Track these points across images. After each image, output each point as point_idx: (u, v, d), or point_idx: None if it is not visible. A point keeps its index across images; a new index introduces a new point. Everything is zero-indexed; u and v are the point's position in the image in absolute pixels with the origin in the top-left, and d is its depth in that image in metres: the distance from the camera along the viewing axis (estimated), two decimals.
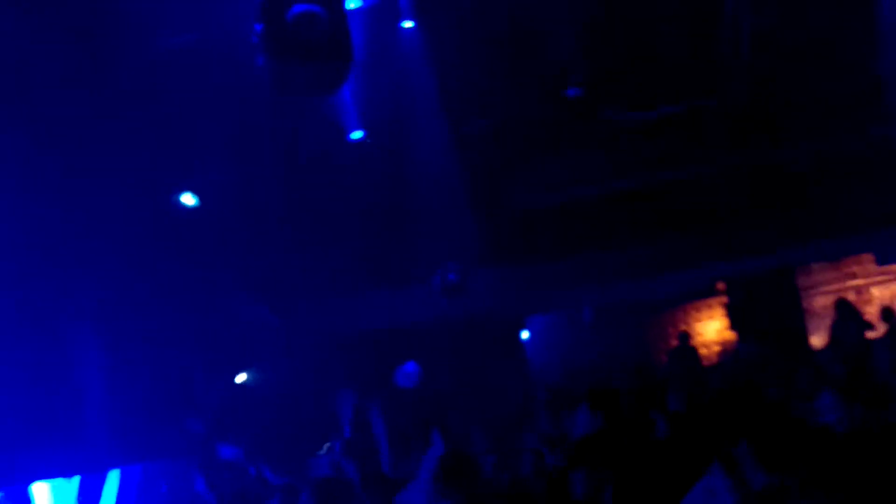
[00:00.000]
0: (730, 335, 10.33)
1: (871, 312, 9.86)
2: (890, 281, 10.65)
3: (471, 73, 8.80)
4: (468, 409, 8.13)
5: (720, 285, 10.28)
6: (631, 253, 9.21)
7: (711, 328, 10.82)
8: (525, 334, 9.92)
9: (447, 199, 8.69)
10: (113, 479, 5.71)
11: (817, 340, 9.77)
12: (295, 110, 8.56)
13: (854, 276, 10.98)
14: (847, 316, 9.31)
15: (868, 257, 10.53)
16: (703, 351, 10.41)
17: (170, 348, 8.11)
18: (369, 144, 8.86)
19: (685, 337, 10.00)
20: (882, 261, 10.23)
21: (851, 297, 10.41)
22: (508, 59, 8.87)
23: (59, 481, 5.53)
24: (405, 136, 8.91)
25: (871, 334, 8.98)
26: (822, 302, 10.63)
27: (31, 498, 5.43)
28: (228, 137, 8.53)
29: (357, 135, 8.85)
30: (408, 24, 8.70)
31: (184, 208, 8.84)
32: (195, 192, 8.83)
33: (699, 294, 10.50)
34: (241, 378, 8.19)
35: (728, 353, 9.96)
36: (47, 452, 5.57)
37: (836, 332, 9.23)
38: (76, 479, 5.59)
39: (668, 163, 9.45)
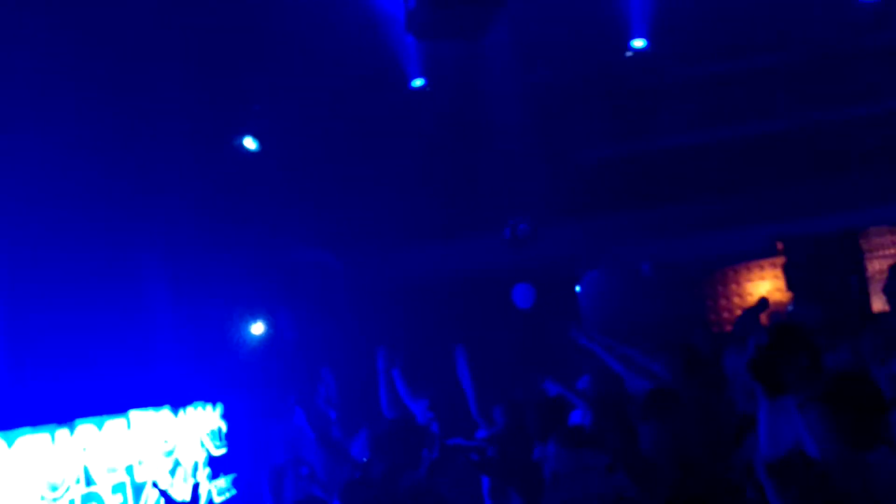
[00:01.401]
0: (782, 296, 10.26)
1: None
2: None
3: (540, 22, 8.67)
4: (529, 359, 8.16)
5: (779, 245, 10.19)
6: (692, 209, 9.16)
7: (763, 288, 10.75)
8: (579, 288, 9.92)
9: (515, 148, 8.62)
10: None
11: (877, 305, 9.68)
12: (362, 55, 8.50)
13: None
14: None
15: None
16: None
17: (232, 290, 8.20)
18: (430, 92, 8.78)
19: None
20: None
21: None
22: (578, 10, 8.74)
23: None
24: (473, 84, 8.82)
25: None
26: (879, 266, 10.51)
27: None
28: (293, 82, 8.50)
29: (418, 82, 8.77)
30: None
31: (247, 152, 8.85)
32: (257, 136, 8.83)
33: (755, 254, 10.41)
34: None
35: (781, 315, 9.89)
36: (138, 385, 5.68)
37: (890, 297, 9.14)
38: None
39: (733, 119, 9.34)
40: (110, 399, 5.11)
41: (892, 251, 10.72)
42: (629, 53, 8.72)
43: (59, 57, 6.06)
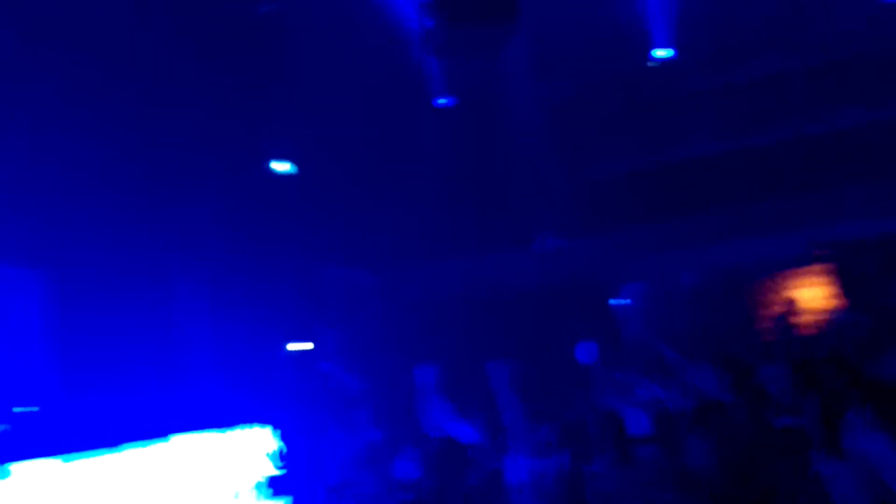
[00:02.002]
0: (829, 303, 10.05)
1: None
2: None
3: (563, 35, 8.67)
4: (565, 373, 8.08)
5: (823, 251, 10.00)
6: (730, 216, 9.04)
7: (809, 295, 10.54)
8: (620, 300, 9.82)
9: (543, 162, 8.60)
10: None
11: None
12: (388, 75, 8.57)
13: None
14: None
15: None
16: (802, 319, 10.15)
17: (269, 308, 8.27)
18: (457, 109, 8.82)
19: (791, 305, 9.71)
20: None
21: None
22: (599, 20, 8.72)
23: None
24: (499, 100, 8.83)
25: None
26: None
27: None
28: (322, 105, 8.59)
29: (443, 100, 8.81)
30: None
31: (283, 174, 8.96)
32: (291, 158, 8.94)
33: (803, 260, 10.23)
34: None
35: (830, 323, 9.69)
36: (180, 409, 5.74)
37: None
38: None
39: (772, 123, 9.22)
40: (156, 423, 5.16)
41: None
42: (653, 63, 8.68)
43: (95, 91, 6.18)
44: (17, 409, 4.54)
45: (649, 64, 8.61)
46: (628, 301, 9.59)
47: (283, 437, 5.90)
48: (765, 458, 4.21)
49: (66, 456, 4.24)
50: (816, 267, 10.27)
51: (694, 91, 9.44)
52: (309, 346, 8.20)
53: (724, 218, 8.96)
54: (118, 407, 5.35)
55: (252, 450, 5.67)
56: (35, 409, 4.46)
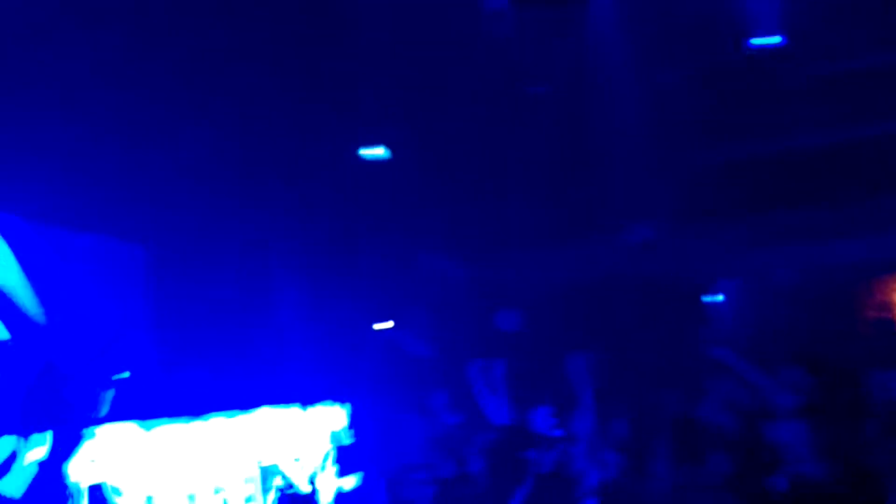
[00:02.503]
0: None
1: None
2: None
3: (659, 18, 8.45)
4: (653, 370, 7.93)
5: None
6: (833, 212, 8.63)
7: None
8: (717, 297, 9.54)
9: (640, 151, 8.43)
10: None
11: None
12: (481, 61, 8.56)
13: None
14: None
15: None
16: None
17: (362, 294, 8.45)
18: (553, 97, 8.73)
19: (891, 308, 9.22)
20: None
21: None
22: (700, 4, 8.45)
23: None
24: (594, 86, 8.70)
25: None
26: None
27: None
28: (417, 90, 8.68)
29: (536, 88, 8.74)
30: None
31: (374, 160, 9.11)
32: (385, 144, 9.07)
33: None
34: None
35: None
36: (269, 382, 5.97)
37: None
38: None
39: (878, 116, 8.73)
40: (243, 396, 5.39)
41: None
42: (756, 50, 8.34)
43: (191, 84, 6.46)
44: (115, 377, 4.84)
45: (751, 51, 8.30)
46: (721, 298, 9.32)
47: (361, 417, 6.05)
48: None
49: (150, 422, 4.50)
50: None
51: (797, 81, 9.04)
52: (395, 328, 8.35)
53: (826, 214, 8.56)
54: (206, 379, 5.62)
55: (330, 426, 5.85)
56: (126, 374, 4.74)
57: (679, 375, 7.78)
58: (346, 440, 5.86)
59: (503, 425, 5.14)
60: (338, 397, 5.98)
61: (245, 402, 5.36)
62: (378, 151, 9.15)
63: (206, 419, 4.88)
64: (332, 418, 5.88)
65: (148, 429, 4.47)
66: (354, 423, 5.92)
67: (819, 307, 9.19)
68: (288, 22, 7.50)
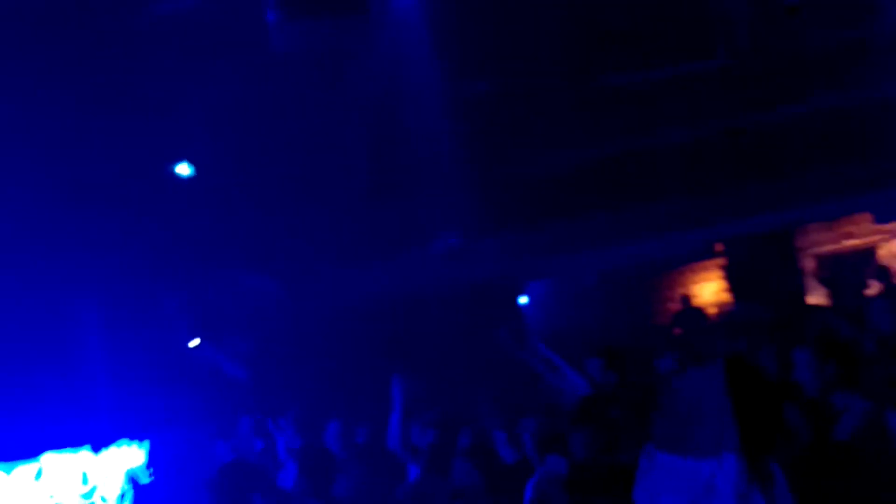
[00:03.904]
0: (727, 297, 10.37)
1: (868, 271, 9.88)
2: (888, 239, 10.67)
3: (470, 35, 8.73)
4: (471, 376, 8.15)
5: (718, 247, 10.30)
6: (630, 215, 9.22)
7: (708, 290, 10.85)
8: (524, 299, 9.95)
9: (446, 164, 8.65)
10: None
11: (814, 300, 9.81)
12: (291, 78, 8.51)
13: (851, 235, 10.99)
14: (844, 275, 9.34)
15: (865, 216, 10.54)
16: (698, 313, 10.45)
17: (170, 321, 8.15)
18: (359, 106, 8.79)
19: (686, 300, 10.01)
20: (881, 219, 10.24)
21: (848, 256, 10.45)
22: (508, 21, 8.80)
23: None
24: (400, 100, 8.84)
25: (867, 293, 9.00)
26: (818, 262, 10.65)
27: None
28: (223, 106, 8.50)
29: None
30: None
31: (181, 178, 8.82)
32: (191, 161, 8.81)
33: (697, 256, 10.52)
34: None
35: (725, 315, 10.00)
36: (56, 425, 5.62)
37: (833, 292, 9.25)
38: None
39: (666, 125, 9.42)
40: (23, 442, 5.05)
41: (832, 247, 10.87)
42: None
43: None
44: None
45: None
46: (530, 300, 9.75)
47: (164, 451, 5.83)
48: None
49: None
50: (710, 263, 10.58)
51: (600, 91, 9.58)
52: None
53: (623, 217, 9.13)
54: None
55: (125, 466, 5.59)
56: None
57: (493, 379, 8.07)
58: (144, 479, 5.62)
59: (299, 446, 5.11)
60: (135, 435, 5.72)
61: (27, 450, 5.03)
62: (183, 169, 8.87)
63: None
64: (127, 458, 5.62)
65: None
66: (153, 460, 5.69)
67: (617, 304, 9.82)
68: (70, 39, 7.15)
